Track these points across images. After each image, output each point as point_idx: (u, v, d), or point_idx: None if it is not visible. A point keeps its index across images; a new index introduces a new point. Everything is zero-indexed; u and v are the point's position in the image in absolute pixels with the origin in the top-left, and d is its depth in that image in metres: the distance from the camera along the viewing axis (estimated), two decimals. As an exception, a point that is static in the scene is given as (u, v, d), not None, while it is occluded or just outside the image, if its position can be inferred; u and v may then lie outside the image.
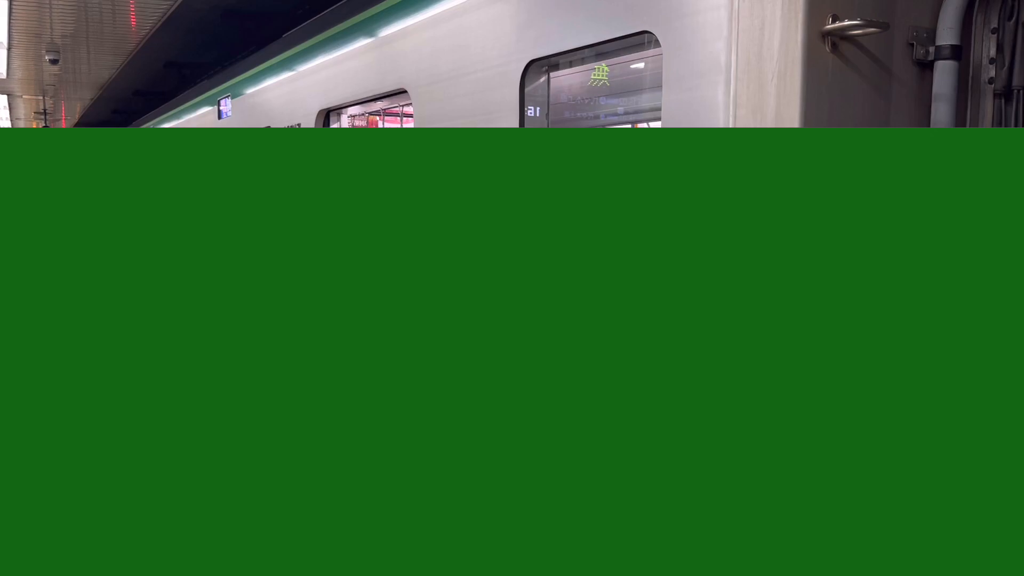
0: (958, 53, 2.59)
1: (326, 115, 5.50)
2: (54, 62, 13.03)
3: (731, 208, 1.68)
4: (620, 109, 3.66)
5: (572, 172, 1.70)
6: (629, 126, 3.78)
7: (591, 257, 1.70)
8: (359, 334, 1.72)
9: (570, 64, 3.46)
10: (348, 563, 1.73)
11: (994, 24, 2.61)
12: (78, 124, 23.72)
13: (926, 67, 2.65)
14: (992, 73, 2.63)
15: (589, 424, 1.72)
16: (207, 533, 1.72)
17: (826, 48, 2.43)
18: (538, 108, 3.57)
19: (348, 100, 5.08)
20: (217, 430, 1.71)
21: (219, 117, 8.12)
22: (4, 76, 15.45)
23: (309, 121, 5.66)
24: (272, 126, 6.40)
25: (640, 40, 2.92)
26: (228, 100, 7.81)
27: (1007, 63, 2.57)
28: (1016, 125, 2.59)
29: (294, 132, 1.74)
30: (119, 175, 1.70)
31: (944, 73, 2.59)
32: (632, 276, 1.70)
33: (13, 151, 1.68)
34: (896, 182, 1.66)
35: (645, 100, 3.23)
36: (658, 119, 2.86)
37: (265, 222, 1.71)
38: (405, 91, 4.36)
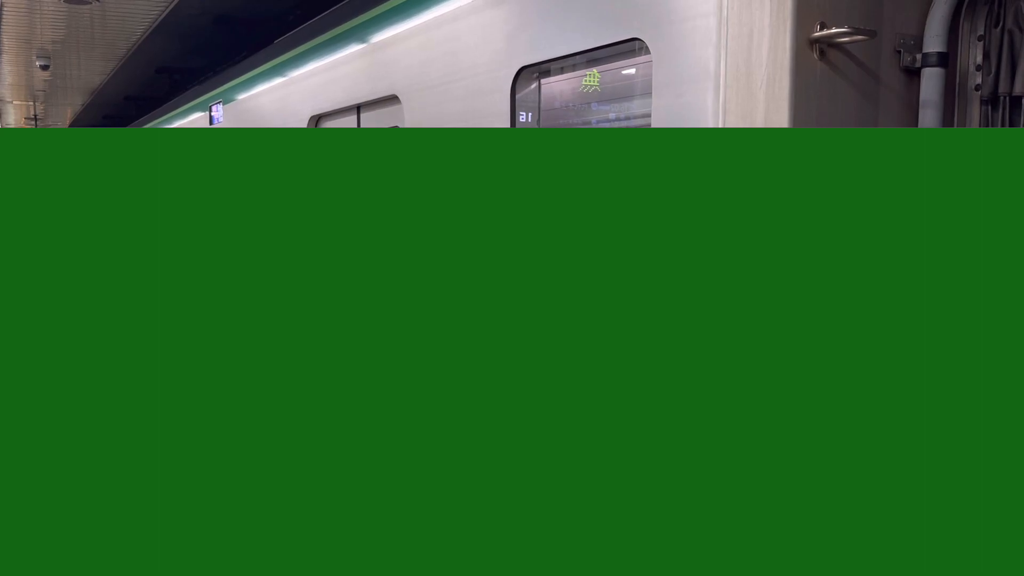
0: (945, 60, 2.61)
1: (317, 120, 5.50)
2: (45, 68, 12.97)
3: (719, 208, 1.70)
4: (611, 115, 3.67)
5: (563, 172, 1.71)
6: (620, 132, 3.77)
7: (583, 257, 1.71)
8: (352, 333, 1.72)
9: (561, 70, 3.48)
10: (348, 562, 1.73)
11: (980, 31, 2.64)
12: (68, 130, 23.51)
13: (913, 74, 2.67)
14: (979, 80, 2.66)
15: (583, 423, 1.72)
16: (208, 533, 1.72)
17: (814, 55, 2.44)
18: (529, 114, 3.58)
19: (339, 106, 5.08)
20: (211, 428, 1.71)
21: (211, 123, 8.11)
22: (-6, 82, 15.40)
23: (300, 126, 5.66)
24: (264, 132, 6.37)
25: (630, 47, 2.94)
26: (220, 106, 7.80)
27: (993, 70, 2.59)
28: None
29: (288, 132, 1.74)
30: (114, 175, 1.70)
31: (931, 80, 2.62)
32: (623, 275, 1.71)
33: (8, 151, 1.68)
34: (883, 182, 1.68)
35: (636, 106, 3.25)
36: (648, 125, 2.87)
37: (259, 221, 1.71)
38: (396, 97, 4.37)
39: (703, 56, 2.54)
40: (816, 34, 2.41)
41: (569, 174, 1.70)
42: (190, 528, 1.71)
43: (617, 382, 1.71)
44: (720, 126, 2.50)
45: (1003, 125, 2.61)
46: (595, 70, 3.33)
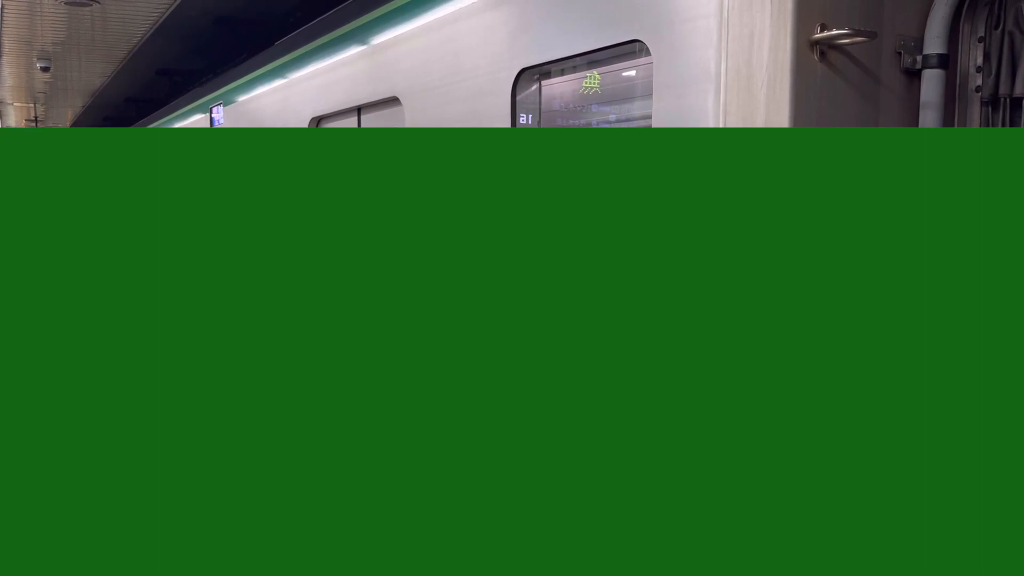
0: (945, 62, 2.62)
1: (318, 122, 5.51)
2: (45, 69, 12.98)
3: (720, 208, 1.70)
4: (612, 116, 3.68)
5: (564, 172, 1.71)
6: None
7: (584, 257, 1.71)
8: (353, 333, 1.72)
9: (562, 72, 3.48)
10: (348, 563, 1.73)
11: (980, 33, 2.64)
12: (69, 131, 23.44)
13: (914, 75, 2.67)
14: (979, 81, 2.66)
15: (584, 422, 1.72)
16: (208, 533, 1.72)
17: (815, 57, 2.45)
18: (530, 115, 3.58)
19: (340, 107, 5.09)
20: (212, 429, 1.71)
21: (211, 124, 8.12)
22: (-5, 83, 15.41)
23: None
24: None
25: (631, 49, 2.94)
26: (220, 107, 7.81)
27: (993, 71, 2.60)
28: None
29: (288, 132, 1.74)
30: (114, 175, 1.70)
31: (932, 81, 2.62)
32: (624, 276, 1.71)
33: (8, 151, 1.68)
34: (883, 182, 1.68)
35: (636, 108, 3.25)
36: (649, 127, 2.87)
37: (260, 222, 1.71)
38: (397, 99, 4.38)
39: (704, 58, 2.54)
40: (817, 36, 2.42)
41: (569, 174, 1.70)
42: (190, 528, 1.71)
43: (618, 382, 1.71)
44: (721, 127, 2.50)
45: (1003, 126, 2.61)
46: (596, 72, 3.33)
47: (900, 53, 2.65)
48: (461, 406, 1.72)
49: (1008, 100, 2.58)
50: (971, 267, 1.67)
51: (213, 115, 8.04)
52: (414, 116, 4.19)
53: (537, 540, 1.72)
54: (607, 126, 3.78)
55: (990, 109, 2.64)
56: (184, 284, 1.70)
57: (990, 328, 1.68)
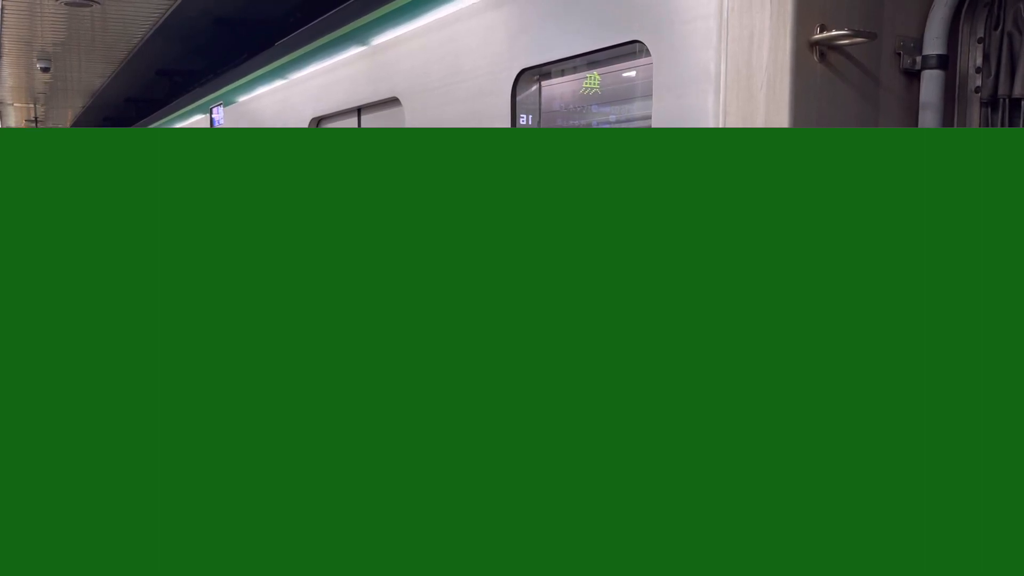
0: (944, 62, 2.62)
1: (318, 123, 5.52)
2: (45, 70, 12.98)
3: (720, 208, 1.70)
4: (612, 117, 3.68)
5: (564, 172, 1.71)
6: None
7: (584, 257, 1.71)
8: (353, 333, 1.72)
9: (562, 73, 3.48)
10: (348, 563, 1.73)
11: (980, 34, 2.64)
12: (69, 132, 23.42)
13: (913, 76, 2.68)
14: (978, 82, 2.66)
15: (585, 423, 1.72)
16: (208, 533, 1.72)
17: (814, 57, 2.45)
18: (530, 116, 3.58)
19: (340, 108, 5.09)
20: (211, 429, 1.72)
21: (211, 125, 8.12)
22: (-5, 84, 15.40)
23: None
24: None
25: (631, 49, 2.94)
26: (220, 108, 7.81)
27: (993, 72, 2.60)
28: None
29: (288, 132, 1.74)
30: (114, 175, 1.70)
31: (931, 82, 2.62)
32: (624, 276, 1.71)
33: (8, 151, 1.69)
34: (883, 182, 1.68)
35: (636, 108, 3.25)
36: (649, 127, 2.88)
37: (260, 222, 1.71)
38: (397, 99, 4.38)
39: (703, 58, 2.54)
40: (816, 36, 2.42)
41: (569, 174, 1.70)
42: (190, 528, 1.71)
43: (618, 382, 1.71)
44: (721, 128, 2.51)
45: (1003, 127, 2.61)
46: (595, 72, 3.34)
47: (900, 54, 2.65)
48: (461, 406, 1.72)
49: (1007, 101, 2.58)
50: (971, 267, 1.68)
51: (213, 115, 8.04)
52: (414, 116, 4.20)
53: (537, 540, 1.72)
54: (607, 126, 3.78)
55: (989, 110, 2.64)
56: (184, 284, 1.70)
57: (990, 328, 1.68)
